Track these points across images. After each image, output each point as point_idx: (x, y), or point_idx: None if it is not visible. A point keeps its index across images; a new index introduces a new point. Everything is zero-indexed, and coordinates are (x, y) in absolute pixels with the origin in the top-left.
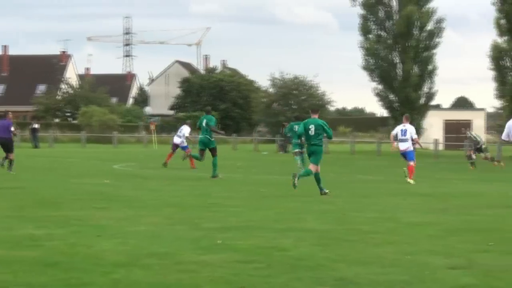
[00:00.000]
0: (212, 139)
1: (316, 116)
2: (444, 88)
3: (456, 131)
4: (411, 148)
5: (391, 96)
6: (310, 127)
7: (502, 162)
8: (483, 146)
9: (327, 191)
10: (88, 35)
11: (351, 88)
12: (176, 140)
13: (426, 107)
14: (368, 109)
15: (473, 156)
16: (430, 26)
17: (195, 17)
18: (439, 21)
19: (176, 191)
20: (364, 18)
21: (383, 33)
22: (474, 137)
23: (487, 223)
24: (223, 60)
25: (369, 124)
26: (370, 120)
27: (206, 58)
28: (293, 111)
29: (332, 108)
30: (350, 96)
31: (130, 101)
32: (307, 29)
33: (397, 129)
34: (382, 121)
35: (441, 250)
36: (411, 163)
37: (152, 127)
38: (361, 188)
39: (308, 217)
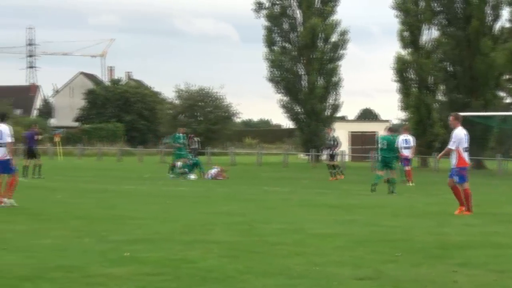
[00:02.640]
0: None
1: (389, 133)
2: (349, 100)
3: (361, 143)
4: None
5: (297, 108)
6: (383, 142)
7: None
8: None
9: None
10: None
11: (257, 100)
12: None
13: (332, 118)
14: (274, 121)
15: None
16: (334, 38)
17: (96, 29)
18: (343, 33)
19: (83, 204)
20: (269, 30)
21: (287, 45)
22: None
23: (394, 234)
24: (128, 72)
25: (276, 135)
26: (276, 132)
27: (111, 69)
28: (199, 123)
29: (238, 120)
30: (256, 108)
31: (35, 112)
32: (209, 41)
33: (400, 140)
34: (288, 132)
35: (349, 261)
36: (408, 168)
37: (57, 139)
38: (268, 200)
39: (216, 229)
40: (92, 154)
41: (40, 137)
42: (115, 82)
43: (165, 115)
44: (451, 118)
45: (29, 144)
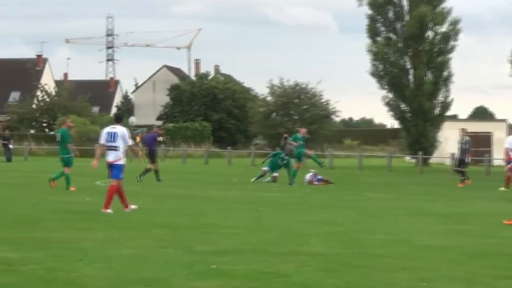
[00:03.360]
0: None
1: None
2: (461, 97)
3: (474, 145)
4: None
5: (403, 106)
6: None
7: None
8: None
9: None
10: (66, 36)
11: (358, 97)
12: None
13: (442, 118)
14: (377, 120)
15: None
16: (444, 28)
17: (180, 18)
18: (455, 22)
19: (166, 210)
20: (372, 19)
21: (393, 36)
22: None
23: (511, 246)
24: (216, 65)
25: (379, 136)
26: (379, 132)
27: (197, 62)
28: (294, 122)
29: (337, 119)
30: (357, 106)
31: (114, 110)
32: (304, 31)
33: (509, 141)
34: (393, 133)
35: (461, 277)
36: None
37: (138, 139)
38: (370, 208)
39: (312, 239)
40: (176, 156)
41: (162, 138)
42: (202, 76)
43: (257, 114)
44: None
45: (151, 147)
